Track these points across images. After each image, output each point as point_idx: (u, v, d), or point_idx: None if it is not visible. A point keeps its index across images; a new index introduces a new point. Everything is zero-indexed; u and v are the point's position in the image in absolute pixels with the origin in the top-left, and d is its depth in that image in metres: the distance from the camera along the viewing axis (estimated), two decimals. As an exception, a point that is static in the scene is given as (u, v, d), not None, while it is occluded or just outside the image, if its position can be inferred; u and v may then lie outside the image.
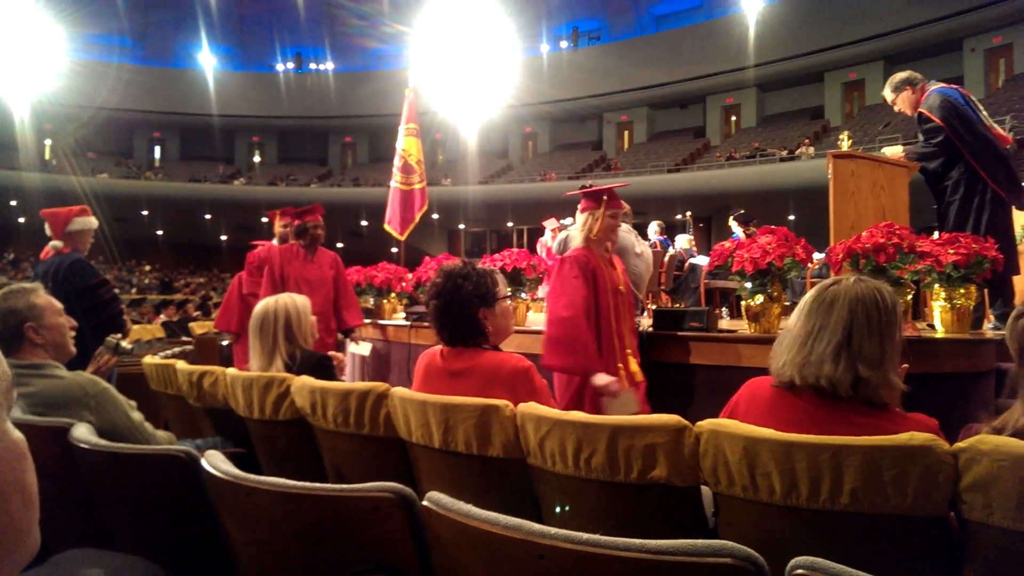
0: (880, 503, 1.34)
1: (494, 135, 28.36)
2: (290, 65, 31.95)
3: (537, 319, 6.07)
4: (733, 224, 7.87)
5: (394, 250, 7.29)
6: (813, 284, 1.66)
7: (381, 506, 1.21)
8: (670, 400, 3.72)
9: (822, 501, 1.37)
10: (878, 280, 1.59)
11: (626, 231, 3.77)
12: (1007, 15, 19.83)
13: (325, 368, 2.64)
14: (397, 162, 6.99)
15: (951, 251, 3.22)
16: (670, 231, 10.13)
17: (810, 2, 22.91)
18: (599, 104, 28.01)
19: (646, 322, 4.10)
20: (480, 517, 1.00)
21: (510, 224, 28.32)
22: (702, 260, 7.87)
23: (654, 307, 6.08)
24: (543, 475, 1.79)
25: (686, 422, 1.58)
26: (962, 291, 3.31)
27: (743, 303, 3.66)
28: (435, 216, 25.86)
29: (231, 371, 2.73)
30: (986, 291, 3.97)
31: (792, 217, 20.44)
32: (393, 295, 5.94)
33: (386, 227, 6.97)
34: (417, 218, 6.83)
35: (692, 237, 9.50)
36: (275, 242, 5.34)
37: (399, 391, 2.06)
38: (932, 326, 3.50)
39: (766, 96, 26.44)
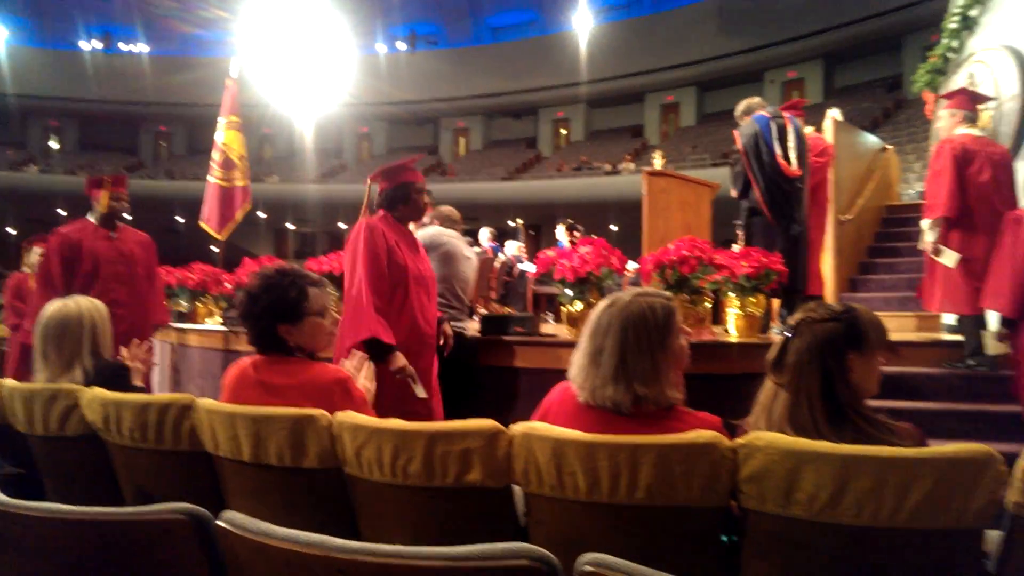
0: (671, 496, 1.45)
1: (328, 133, 27.49)
2: (97, 44, 28.91)
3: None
4: (560, 232, 8.22)
5: (214, 249, 6.82)
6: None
7: (172, 528, 1.12)
8: (497, 402, 3.81)
9: (621, 496, 1.46)
10: (660, 293, 1.71)
11: (455, 236, 3.81)
12: (800, 52, 22.46)
13: (120, 378, 2.42)
14: (216, 156, 6.56)
15: (744, 264, 3.59)
16: (501, 238, 10.36)
17: (633, 27, 24.53)
18: (436, 109, 28.08)
19: (474, 326, 4.17)
20: (279, 535, 0.96)
21: (343, 226, 27.58)
22: (530, 267, 8.14)
23: (484, 312, 6.19)
24: (360, 484, 1.76)
25: (500, 426, 1.62)
26: (753, 300, 3.69)
27: (564, 309, 3.84)
28: (261, 215, 24.59)
29: (8, 382, 2.42)
30: (774, 300, 4.42)
31: (614, 228, 21.69)
32: (209, 298, 5.58)
33: (202, 225, 6.52)
34: (238, 217, 6.45)
35: (523, 244, 9.79)
36: (91, 218, 4.20)
37: (205, 403, 1.93)
38: (728, 331, 3.87)
39: (593, 112, 27.87)
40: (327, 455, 1.77)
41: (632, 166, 22.66)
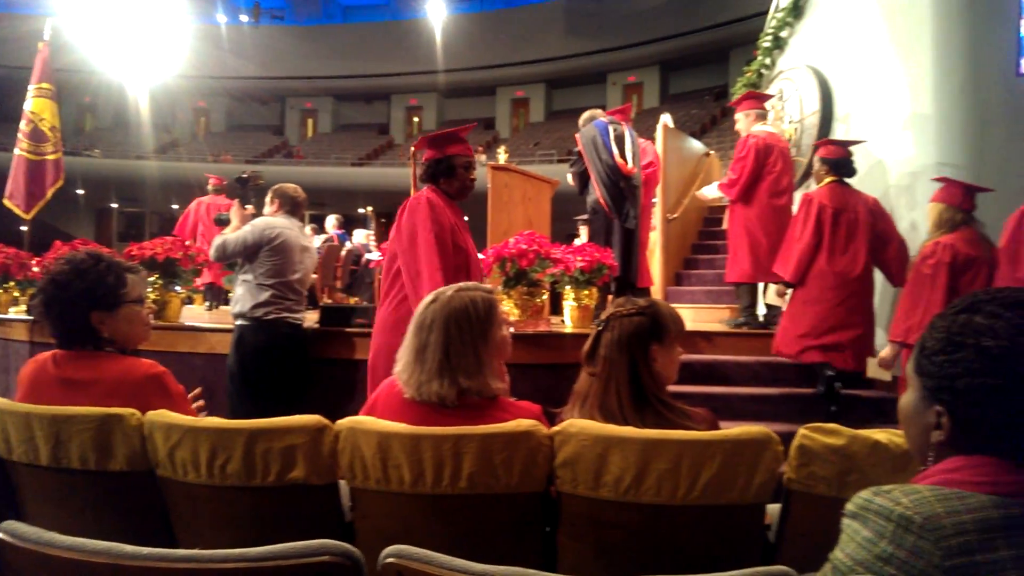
0: (492, 484, 1.51)
1: (160, 106, 25.35)
2: None
3: (195, 313, 5.63)
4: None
5: (23, 228, 6.13)
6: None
7: (-60, 544, 1.01)
8: (333, 396, 3.74)
9: (444, 486, 1.50)
10: (481, 286, 1.76)
11: (289, 226, 3.66)
12: (640, 58, 23.76)
13: None
14: (24, 127, 5.90)
15: (579, 259, 3.76)
16: (349, 225, 10.12)
17: (486, 20, 24.78)
18: (282, 87, 26.80)
19: (313, 317, 4.06)
20: (63, 544, 0.90)
21: (175, 206, 25.62)
22: (378, 256, 8.02)
23: (327, 302, 6.04)
24: (174, 486, 1.67)
25: (326, 421, 1.61)
26: (586, 292, 3.88)
27: (406, 301, 3.82)
28: (80, 192, 22.34)
29: None
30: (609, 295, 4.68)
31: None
32: (12, 284, 5.02)
33: (6, 202, 5.85)
34: (49, 194, 5.85)
35: (372, 232, 9.62)
36: None
37: (-5, 402, 1.75)
38: (564, 322, 4.04)
39: (447, 102, 27.84)
40: (137, 457, 1.66)
41: (484, 158, 22.87)
